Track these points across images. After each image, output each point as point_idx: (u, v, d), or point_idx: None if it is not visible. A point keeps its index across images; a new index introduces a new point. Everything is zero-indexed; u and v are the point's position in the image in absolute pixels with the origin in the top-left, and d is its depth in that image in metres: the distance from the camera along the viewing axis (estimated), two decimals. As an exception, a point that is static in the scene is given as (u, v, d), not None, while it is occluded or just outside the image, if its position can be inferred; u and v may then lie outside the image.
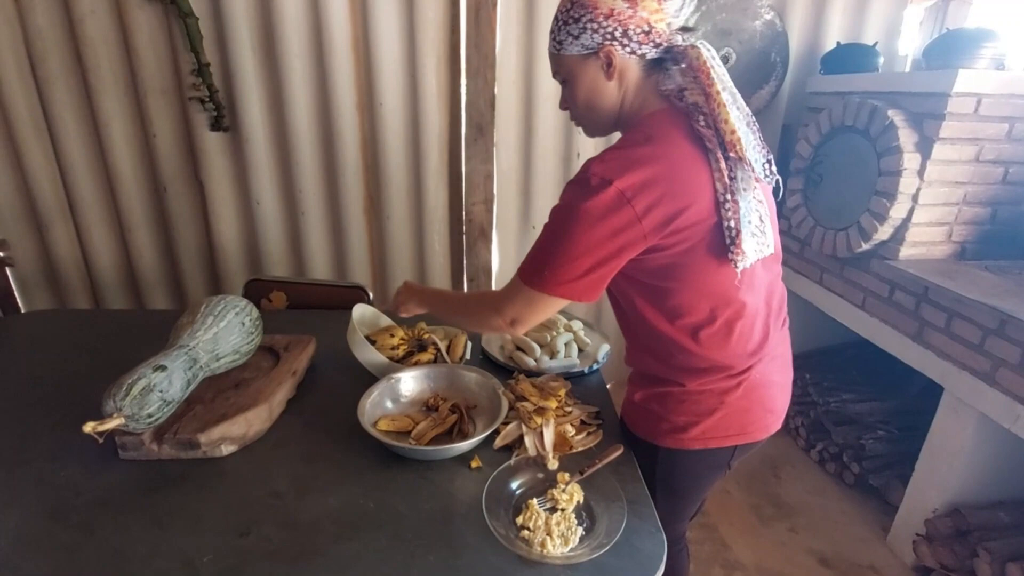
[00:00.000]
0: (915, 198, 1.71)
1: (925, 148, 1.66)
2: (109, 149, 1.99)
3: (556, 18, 0.84)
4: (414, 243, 2.27)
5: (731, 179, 0.78)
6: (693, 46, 0.80)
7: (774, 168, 0.83)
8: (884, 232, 1.76)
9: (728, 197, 0.78)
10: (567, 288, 0.82)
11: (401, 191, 2.17)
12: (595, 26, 0.79)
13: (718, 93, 0.78)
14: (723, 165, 0.78)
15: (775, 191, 0.89)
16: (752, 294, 0.87)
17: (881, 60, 2.09)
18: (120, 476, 0.89)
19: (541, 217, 2.32)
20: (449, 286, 2.36)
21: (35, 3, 1.81)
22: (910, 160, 1.67)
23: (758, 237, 0.82)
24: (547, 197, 2.26)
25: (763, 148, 0.82)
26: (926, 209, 1.72)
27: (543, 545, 0.76)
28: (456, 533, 0.80)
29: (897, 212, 1.72)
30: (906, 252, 1.77)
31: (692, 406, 0.92)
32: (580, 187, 0.79)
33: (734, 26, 2.09)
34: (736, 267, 0.80)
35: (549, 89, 2.09)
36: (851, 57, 2.07)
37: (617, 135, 0.91)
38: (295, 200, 2.14)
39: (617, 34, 0.79)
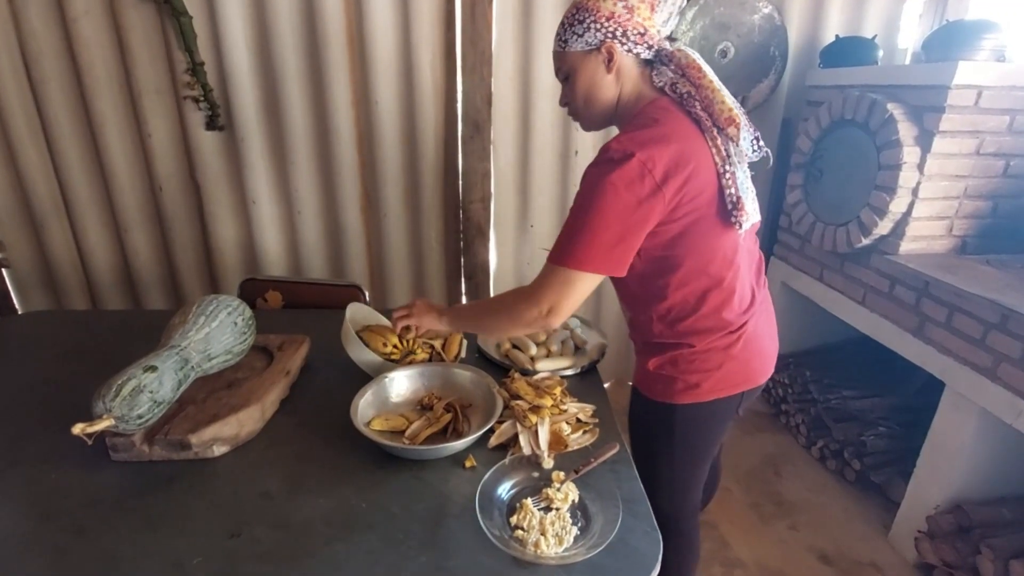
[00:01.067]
0: (915, 192, 1.69)
1: (925, 141, 1.65)
2: (104, 149, 1.99)
3: (562, 22, 0.95)
4: (411, 241, 2.26)
5: (727, 154, 0.89)
6: (679, 49, 0.93)
7: (762, 143, 0.93)
8: (884, 227, 1.75)
9: (727, 168, 0.89)
10: (599, 262, 0.88)
11: (398, 189, 2.16)
12: (597, 26, 0.90)
13: (710, 82, 0.90)
14: (719, 142, 0.89)
15: (764, 162, 0.97)
16: (742, 259, 0.99)
17: (880, 53, 2.07)
18: (111, 477, 0.89)
19: (539, 215, 2.34)
20: (446, 285, 2.35)
21: (29, 4, 1.80)
22: (910, 154, 1.66)
23: (753, 202, 0.94)
24: (545, 195, 2.24)
25: (750, 127, 0.92)
26: (926, 203, 1.71)
27: (537, 545, 0.75)
28: (449, 534, 0.79)
29: (897, 206, 1.71)
30: (906, 247, 1.76)
31: (701, 364, 1.01)
32: (603, 165, 0.86)
33: (732, 20, 2.08)
34: (740, 228, 0.91)
35: (546, 85, 2.07)
36: (850, 50, 2.05)
37: (614, 131, 0.98)
38: (291, 199, 2.13)
39: (617, 33, 0.90)
